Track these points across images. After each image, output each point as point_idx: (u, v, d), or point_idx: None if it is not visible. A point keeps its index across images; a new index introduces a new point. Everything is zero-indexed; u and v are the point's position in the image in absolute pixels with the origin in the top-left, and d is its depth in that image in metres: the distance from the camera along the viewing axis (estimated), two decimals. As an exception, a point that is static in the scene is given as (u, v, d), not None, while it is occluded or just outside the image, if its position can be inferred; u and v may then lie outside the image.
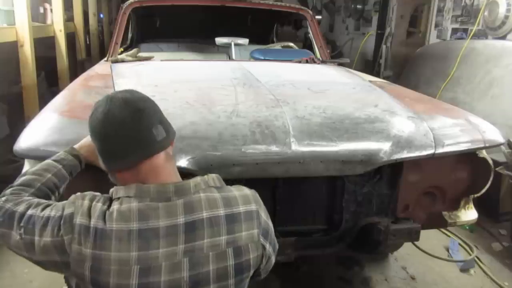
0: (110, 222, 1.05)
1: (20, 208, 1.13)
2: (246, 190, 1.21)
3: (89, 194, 1.13)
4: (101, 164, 1.18)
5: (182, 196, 1.10)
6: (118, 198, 1.10)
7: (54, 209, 1.10)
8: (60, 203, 1.12)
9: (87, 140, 1.42)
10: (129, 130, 1.10)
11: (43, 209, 1.11)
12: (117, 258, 1.03)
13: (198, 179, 1.15)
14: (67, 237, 1.05)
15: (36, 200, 1.17)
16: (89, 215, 1.07)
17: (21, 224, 1.10)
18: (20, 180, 1.25)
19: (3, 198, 1.17)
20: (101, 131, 1.13)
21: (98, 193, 1.15)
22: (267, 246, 1.18)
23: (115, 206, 1.08)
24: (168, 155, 1.17)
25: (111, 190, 1.14)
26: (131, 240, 1.04)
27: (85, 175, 1.42)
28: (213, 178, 1.18)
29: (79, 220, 1.06)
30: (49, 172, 1.28)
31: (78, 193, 1.14)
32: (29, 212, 1.11)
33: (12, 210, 1.13)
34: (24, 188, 1.21)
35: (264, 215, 1.20)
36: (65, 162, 1.34)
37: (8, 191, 1.20)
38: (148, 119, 1.13)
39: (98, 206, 1.08)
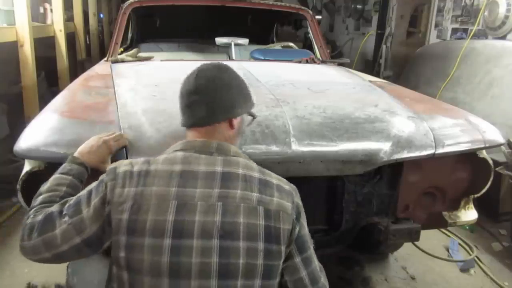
0: (155, 165, 1.15)
1: (53, 209, 1.17)
2: (286, 183, 1.26)
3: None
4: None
5: (222, 155, 1.19)
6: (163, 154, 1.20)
7: (91, 185, 1.18)
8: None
9: (86, 146, 1.44)
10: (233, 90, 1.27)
11: (78, 195, 1.18)
12: (158, 192, 1.10)
13: (238, 150, 1.26)
14: (111, 183, 1.13)
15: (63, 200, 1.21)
16: (131, 164, 1.16)
17: (64, 213, 1.15)
18: (38, 200, 1.25)
19: (31, 216, 1.18)
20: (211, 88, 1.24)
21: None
22: (297, 229, 1.19)
23: (162, 155, 1.19)
24: (238, 131, 1.29)
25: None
26: (172, 177, 1.12)
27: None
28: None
29: (122, 168, 1.16)
30: (62, 186, 1.30)
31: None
32: (66, 205, 1.17)
33: (46, 214, 1.16)
34: (46, 205, 1.22)
35: (300, 203, 1.24)
36: (73, 172, 1.35)
37: (31, 212, 1.21)
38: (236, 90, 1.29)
39: (140, 160, 1.18)
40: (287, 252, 1.19)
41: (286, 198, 1.19)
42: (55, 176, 1.33)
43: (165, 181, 1.11)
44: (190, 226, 1.08)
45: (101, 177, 1.17)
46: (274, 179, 1.22)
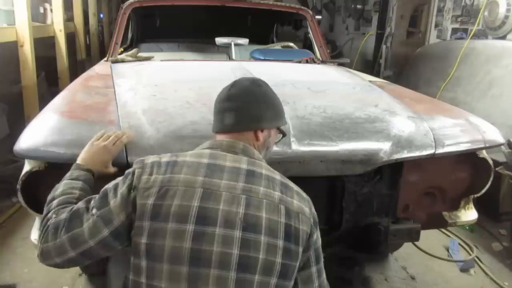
0: (183, 157, 1.19)
1: (79, 206, 1.18)
2: (303, 192, 1.29)
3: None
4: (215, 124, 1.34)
5: (247, 156, 1.24)
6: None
7: (118, 178, 1.19)
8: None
9: (87, 153, 1.44)
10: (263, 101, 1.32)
11: (104, 187, 1.18)
12: (185, 179, 1.13)
13: (261, 157, 1.29)
14: (138, 170, 1.16)
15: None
16: (159, 157, 1.20)
17: (91, 207, 1.15)
18: (54, 203, 1.23)
19: (53, 217, 1.17)
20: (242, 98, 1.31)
21: None
22: (314, 237, 1.23)
23: (190, 151, 1.24)
24: (263, 144, 1.32)
25: None
26: (200, 168, 1.16)
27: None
28: None
29: (150, 159, 1.19)
30: (76, 189, 1.30)
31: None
32: (92, 200, 1.17)
33: (72, 211, 1.16)
34: (64, 206, 1.21)
35: (316, 214, 1.27)
36: (82, 178, 1.35)
37: (50, 214, 1.20)
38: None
39: (168, 154, 1.21)
40: (305, 258, 1.21)
41: (304, 203, 1.23)
42: (65, 182, 1.32)
43: (193, 170, 1.15)
44: (214, 214, 1.10)
45: (128, 170, 1.19)
46: (294, 185, 1.26)
